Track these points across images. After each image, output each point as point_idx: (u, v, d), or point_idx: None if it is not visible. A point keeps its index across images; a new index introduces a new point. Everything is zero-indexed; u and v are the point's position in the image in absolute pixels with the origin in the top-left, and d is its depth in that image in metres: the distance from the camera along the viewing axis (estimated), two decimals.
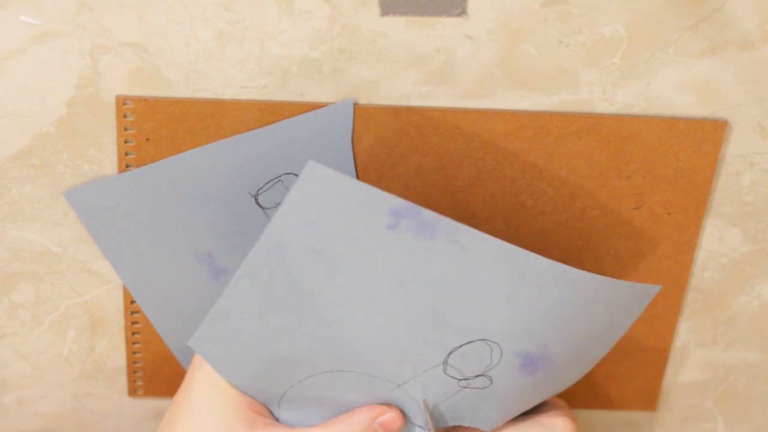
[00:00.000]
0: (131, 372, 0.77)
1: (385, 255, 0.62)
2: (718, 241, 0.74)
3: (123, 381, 0.77)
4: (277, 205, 0.70)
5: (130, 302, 0.74)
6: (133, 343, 0.75)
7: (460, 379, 0.67)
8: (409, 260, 0.62)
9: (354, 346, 0.65)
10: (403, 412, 0.69)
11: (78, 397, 0.78)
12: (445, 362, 0.66)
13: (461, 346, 0.66)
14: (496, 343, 0.66)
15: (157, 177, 0.68)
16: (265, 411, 0.69)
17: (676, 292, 0.75)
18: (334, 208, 0.60)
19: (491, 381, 0.67)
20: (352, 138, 0.68)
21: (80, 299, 0.74)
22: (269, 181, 0.69)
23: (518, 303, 0.64)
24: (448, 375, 0.67)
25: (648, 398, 0.80)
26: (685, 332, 0.77)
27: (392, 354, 0.66)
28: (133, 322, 0.75)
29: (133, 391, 0.78)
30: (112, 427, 0.80)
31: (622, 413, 0.81)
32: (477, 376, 0.67)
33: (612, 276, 0.73)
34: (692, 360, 0.79)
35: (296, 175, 0.69)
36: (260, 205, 0.69)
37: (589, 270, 0.73)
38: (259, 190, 0.69)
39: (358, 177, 0.70)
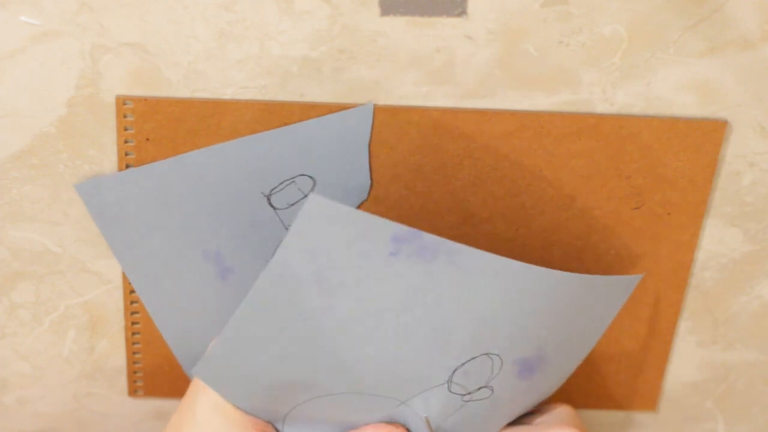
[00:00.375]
0: (131, 372, 0.77)
1: (388, 282, 0.62)
2: (718, 241, 0.74)
3: (123, 381, 0.77)
4: (289, 206, 0.70)
5: (130, 302, 0.74)
6: (133, 343, 0.75)
7: (464, 395, 0.67)
8: (412, 286, 0.62)
9: (358, 371, 0.65)
10: (408, 430, 0.69)
11: (78, 397, 0.78)
12: (450, 380, 0.66)
13: (464, 363, 0.66)
14: (497, 355, 0.66)
15: (171, 173, 0.68)
16: (270, 429, 0.69)
17: (676, 292, 0.75)
18: (338, 238, 0.60)
19: (492, 391, 0.67)
20: (369, 142, 0.68)
21: (80, 299, 0.74)
22: (283, 182, 0.69)
23: (517, 314, 0.64)
24: (453, 392, 0.67)
25: (648, 398, 0.80)
26: (685, 332, 0.77)
27: (397, 377, 0.66)
28: (133, 323, 0.75)
29: (133, 391, 0.78)
30: (112, 427, 0.80)
31: (622, 413, 0.81)
32: (479, 388, 0.67)
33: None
34: (692, 360, 0.79)
35: (310, 176, 0.69)
36: (272, 206, 0.69)
37: (590, 270, 0.73)
38: (272, 190, 0.69)
39: (371, 181, 0.70)
